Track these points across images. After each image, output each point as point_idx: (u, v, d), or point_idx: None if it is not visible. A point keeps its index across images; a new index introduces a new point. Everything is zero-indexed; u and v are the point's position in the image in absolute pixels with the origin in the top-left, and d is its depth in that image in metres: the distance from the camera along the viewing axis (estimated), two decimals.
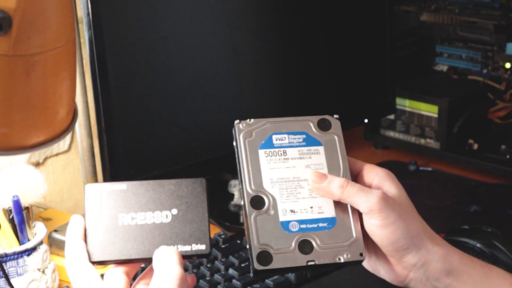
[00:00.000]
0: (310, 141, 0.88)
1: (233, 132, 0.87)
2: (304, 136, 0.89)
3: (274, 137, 0.88)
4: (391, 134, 1.62)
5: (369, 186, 0.88)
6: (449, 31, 1.59)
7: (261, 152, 0.87)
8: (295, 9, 1.33)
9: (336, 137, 0.89)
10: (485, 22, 1.53)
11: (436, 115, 1.54)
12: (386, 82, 1.50)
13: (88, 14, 1.09)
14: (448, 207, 1.39)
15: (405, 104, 1.58)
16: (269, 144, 0.87)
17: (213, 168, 1.27)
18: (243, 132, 0.87)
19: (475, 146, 1.55)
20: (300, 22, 1.34)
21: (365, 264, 0.90)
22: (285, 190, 0.85)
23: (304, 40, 1.35)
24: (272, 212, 0.84)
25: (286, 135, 0.88)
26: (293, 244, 0.83)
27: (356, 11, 1.43)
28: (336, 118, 0.90)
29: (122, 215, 0.83)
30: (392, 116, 1.59)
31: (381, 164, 1.58)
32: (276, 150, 0.87)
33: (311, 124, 0.89)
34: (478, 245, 1.16)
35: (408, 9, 1.63)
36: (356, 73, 1.45)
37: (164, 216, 0.84)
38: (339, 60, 1.42)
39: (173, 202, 0.85)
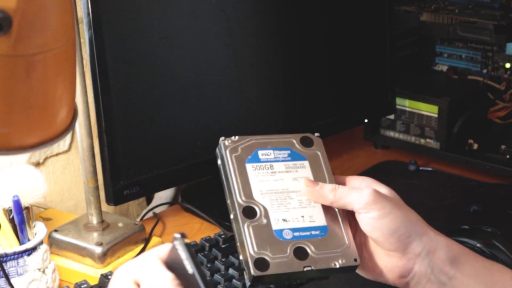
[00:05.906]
0: (295, 156, 0.90)
1: (218, 150, 0.89)
2: (288, 151, 0.91)
3: (259, 152, 0.90)
4: (391, 134, 1.61)
5: None
6: (449, 31, 1.58)
7: (249, 166, 0.88)
8: (295, 9, 1.33)
9: (319, 153, 0.91)
10: (485, 22, 1.53)
11: (436, 115, 1.54)
12: (386, 82, 1.50)
13: (88, 14, 1.09)
14: (448, 207, 1.39)
15: (405, 104, 1.57)
16: (255, 159, 0.89)
17: (213, 168, 1.26)
18: (229, 148, 0.89)
19: (475, 146, 1.55)
20: (300, 21, 1.34)
21: (366, 273, 0.89)
22: (275, 200, 0.87)
23: (304, 40, 1.35)
24: (264, 221, 0.85)
25: (271, 151, 0.90)
26: (288, 250, 0.84)
27: (356, 11, 1.43)
28: (318, 136, 0.92)
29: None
30: (392, 116, 1.59)
31: (381, 164, 1.60)
32: (263, 164, 0.89)
33: (294, 141, 0.91)
34: (478, 245, 1.16)
35: (408, 9, 1.63)
36: (356, 73, 1.45)
37: None
38: (339, 60, 1.42)
39: None
